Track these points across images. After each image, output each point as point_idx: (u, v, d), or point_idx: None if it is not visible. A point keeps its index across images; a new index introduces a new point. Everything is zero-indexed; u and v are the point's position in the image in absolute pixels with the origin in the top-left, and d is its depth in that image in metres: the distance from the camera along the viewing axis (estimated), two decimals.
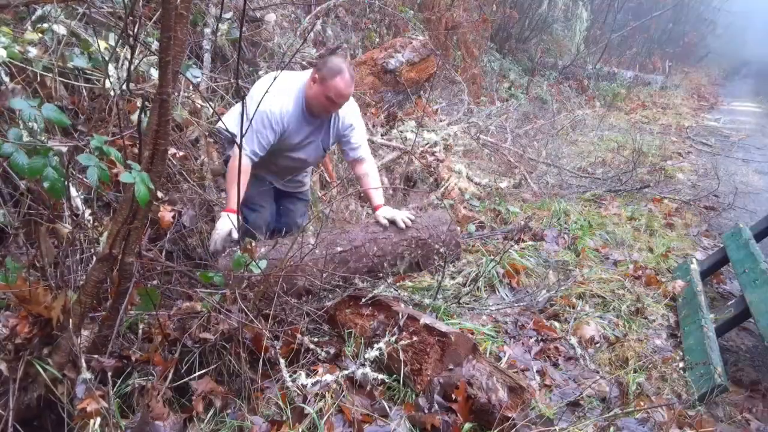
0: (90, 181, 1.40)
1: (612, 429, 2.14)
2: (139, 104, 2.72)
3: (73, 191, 2.33)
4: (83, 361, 1.63)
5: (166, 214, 2.55)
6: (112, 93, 2.62)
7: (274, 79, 2.22)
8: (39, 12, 2.69)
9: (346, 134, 2.80)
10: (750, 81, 18.03)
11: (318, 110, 2.64)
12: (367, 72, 5.71)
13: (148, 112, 1.59)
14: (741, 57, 23.93)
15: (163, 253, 2.68)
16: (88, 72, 2.69)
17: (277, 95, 2.54)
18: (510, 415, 1.90)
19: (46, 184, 1.40)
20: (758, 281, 2.84)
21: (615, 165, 6.52)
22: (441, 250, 2.64)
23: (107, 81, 2.59)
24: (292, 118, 2.64)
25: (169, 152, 2.65)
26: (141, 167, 1.56)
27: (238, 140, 2.22)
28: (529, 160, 6.33)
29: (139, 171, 1.49)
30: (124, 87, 2.01)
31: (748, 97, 14.18)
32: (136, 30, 2.02)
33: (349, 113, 2.79)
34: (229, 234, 2.51)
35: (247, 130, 2.42)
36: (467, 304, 2.96)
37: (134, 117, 2.37)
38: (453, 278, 3.00)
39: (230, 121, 2.69)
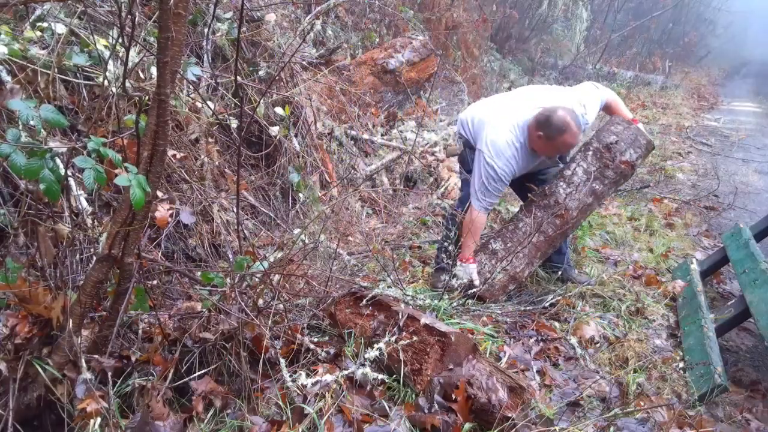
0: (86, 184, 1.40)
1: (612, 429, 2.14)
2: (136, 105, 2.72)
3: (75, 189, 2.32)
4: (83, 361, 1.63)
5: (163, 212, 2.55)
6: (111, 91, 2.61)
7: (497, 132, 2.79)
8: (38, 11, 2.69)
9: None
10: (750, 81, 17.99)
11: (548, 155, 2.90)
12: (367, 72, 5.71)
13: (146, 112, 1.59)
14: (741, 57, 23.89)
15: (160, 252, 2.67)
16: (88, 70, 2.68)
17: (503, 143, 2.78)
18: (510, 415, 1.90)
19: (42, 186, 1.40)
20: (758, 281, 2.84)
21: None
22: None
23: (106, 79, 2.59)
24: (521, 162, 2.85)
25: (169, 154, 2.65)
26: (140, 168, 1.56)
27: (473, 197, 2.87)
28: None
29: (136, 174, 1.49)
30: (121, 86, 2.00)
31: (748, 97, 14.16)
32: (132, 29, 2.01)
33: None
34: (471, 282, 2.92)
35: (481, 184, 2.83)
36: (473, 306, 2.95)
37: (127, 118, 2.36)
38: (459, 279, 2.99)
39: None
